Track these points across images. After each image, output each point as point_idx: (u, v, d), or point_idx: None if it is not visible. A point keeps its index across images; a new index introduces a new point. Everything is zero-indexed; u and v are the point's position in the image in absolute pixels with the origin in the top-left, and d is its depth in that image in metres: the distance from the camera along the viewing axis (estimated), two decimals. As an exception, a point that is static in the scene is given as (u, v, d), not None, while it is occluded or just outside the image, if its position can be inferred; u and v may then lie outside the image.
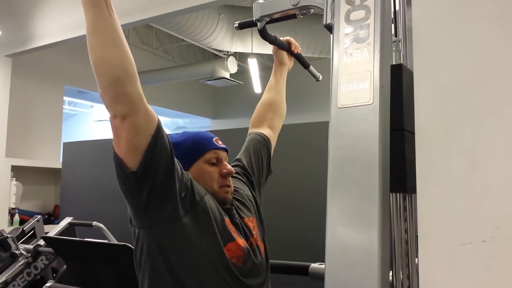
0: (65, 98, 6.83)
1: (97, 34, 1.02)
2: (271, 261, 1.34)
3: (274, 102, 1.66)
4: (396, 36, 0.97)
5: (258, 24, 1.31)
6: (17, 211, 4.72)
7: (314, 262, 1.26)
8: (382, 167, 0.73)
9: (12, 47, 4.55)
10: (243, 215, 1.34)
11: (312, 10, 1.19)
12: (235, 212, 1.32)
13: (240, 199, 1.38)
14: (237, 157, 1.53)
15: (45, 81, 5.60)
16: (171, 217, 1.13)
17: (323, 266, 1.31)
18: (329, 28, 0.91)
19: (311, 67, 1.64)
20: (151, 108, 1.09)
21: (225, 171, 1.29)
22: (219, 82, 7.47)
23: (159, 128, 1.09)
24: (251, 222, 1.35)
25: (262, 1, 1.26)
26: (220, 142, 1.33)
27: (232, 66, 6.97)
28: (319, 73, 1.65)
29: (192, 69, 7.66)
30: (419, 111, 0.64)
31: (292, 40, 1.62)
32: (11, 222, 4.55)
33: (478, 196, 0.58)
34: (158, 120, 1.10)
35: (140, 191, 1.10)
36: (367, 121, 0.75)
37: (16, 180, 4.61)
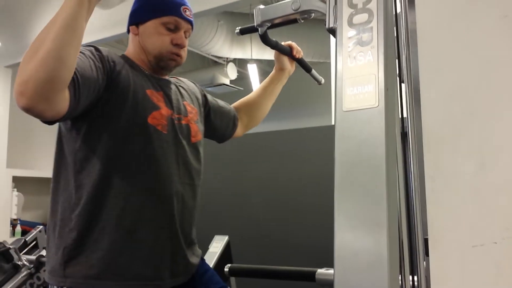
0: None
1: (70, 31, 1.01)
2: (277, 267, 1.33)
3: (254, 104, 1.69)
4: (398, 38, 0.97)
5: (259, 29, 1.31)
6: (18, 222, 4.71)
7: (321, 267, 1.25)
8: (388, 170, 0.73)
9: (11, 57, 4.57)
10: (184, 97, 1.37)
11: (313, 15, 1.19)
12: (173, 88, 1.34)
13: (186, 89, 1.41)
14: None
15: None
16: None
17: (330, 271, 1.30)
18: (332, 32, 0.91)
19: (313, 71, 1.64)
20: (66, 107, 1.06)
21: (176, 41, 1.29)
22: (219, 89, 7.48)
23: (69, 109, 1.06)
24: (191, 108, 1.37)
25: (263, 6, 1.26)
26: (188, 13, 1.32)
27: (231, 72, 6.98)
28: (321, 77, 1.65)
29: (192, 76, 7.68)
30: (426, 113, 0.63)
31: (294, 44, 1.62)
32: (13, 233, 4.54)
33: (488, 197, 0.57)
34: (69, 106, 1.06)
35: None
36: (372, 124, 0.74)
37: (17, 191, 4.60)
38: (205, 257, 2.20)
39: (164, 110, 1.25)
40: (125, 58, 1.30)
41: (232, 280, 2.04)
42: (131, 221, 1.16)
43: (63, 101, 1.03)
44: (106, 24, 3.66)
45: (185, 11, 1.31)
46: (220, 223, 2.73)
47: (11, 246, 2.90)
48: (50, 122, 1.09)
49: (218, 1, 3.28)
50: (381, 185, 0.71)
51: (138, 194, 1.18)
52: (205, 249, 2.28)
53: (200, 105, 1.46)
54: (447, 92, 0.62)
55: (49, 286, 1.18)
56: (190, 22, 1.33)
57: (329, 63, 3.42)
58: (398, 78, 0.97)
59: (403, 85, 1.02)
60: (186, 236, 1.27)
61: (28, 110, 0.99)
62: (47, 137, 5.58)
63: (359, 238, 0.73)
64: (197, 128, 1.37)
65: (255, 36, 1.38)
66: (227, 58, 6.83)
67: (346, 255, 0.74)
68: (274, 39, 1.50)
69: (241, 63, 7.51)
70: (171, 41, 1.29)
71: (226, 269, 1.49)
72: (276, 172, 2.68)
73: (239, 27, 1.49)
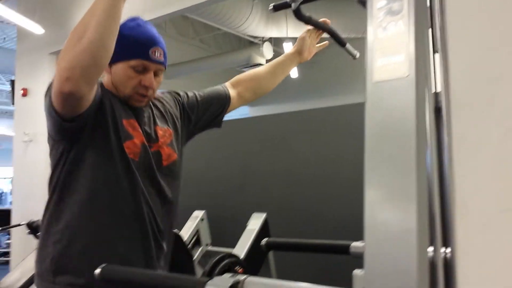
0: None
1: (110, 19, 1.09)
2: (310, 240, 1.35)
3: (261, 80, 1.68)
4: (431, 7, 0.94)
5: (293, 4, 1.31)
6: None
7: (356, 240, 1.26)
8: (418, 141, 0.72)
9: (55, 44, 4.73)
10: (157, 121, 1.42)
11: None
12: (147, 115, 1.40)
13: (161, 109, 1.46)
14: (196, 92, 1.60)
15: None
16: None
17: (363, 244, 1.30)
18: (363, 3, 0.90)
19: (348, 45, 1.61)
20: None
21: (144, 82, 1.32)
22: (255, 69, 7.46)
23: (94, 102, 1.21)
24: (163, 131, 1.42)
25: (295, -18, 1.25)
26: (157, 54, 1.33)
27: (268, 52, 6.95)
28: (356, 51, 1.63)
29: (229, 57, 7.72)
30: (453, 79, 0.62)
31: (328, 21, 1.60)
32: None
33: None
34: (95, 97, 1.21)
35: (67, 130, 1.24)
36: (403, 94, 0.74)
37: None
38: (244, 234, 2.25)
39: (137, 139, 1.33)
40: (102, 86, 1.36)
41: (270, 254, 2.08)
42: (113, 238, 1.29)
43: (95, 89, 1.18)
44: (144, 8, 3.73)
45: (155, 52, 1.32)
46: (258, 200, 2.77)
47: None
48: (69, 122, 1.21)
49: (252, -21, 3.26)
50: (411, 156, 0.71)
51: (119, 214, 1.30)
52: (244, 227, 2.33)
53: (177, 119, 1.51)
54: (474, 57, 0.61)
55: None
56: (161, 63, 1.35)
57: (365, 39, 3.34)
58: (432, 49, 0.96)
59: (437, 55, 1.00)
60: (158, 248, 1.38)
61: (73, 93, 1.10)
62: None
63: (388, 209, 0.73)
64: (170, 150, 1.43)
65: (291, 14, 1.38)
66: (262, 37, 6.80)
67: (376, 227, 0.75)
68: (307, 14, 1.48)
69: (277, 43, 7.46)
70: (140, 82, 1.32)
71: (262, 243, 1.52)
72: (314, 149, 2.68)
73: (273, 4, 1.48)
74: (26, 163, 4.86)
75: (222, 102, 1.61)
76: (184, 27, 7.79)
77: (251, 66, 7.19)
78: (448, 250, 0.85)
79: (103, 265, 1.06)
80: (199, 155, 3.17)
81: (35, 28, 4.63)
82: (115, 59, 1.30)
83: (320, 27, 1.60)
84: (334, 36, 1.63)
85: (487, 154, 0.57)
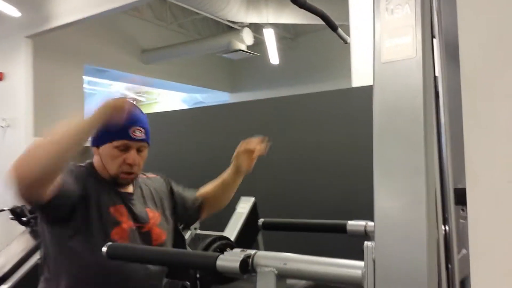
0: (84, 77, 6.89)
1: (78, 145, 1.25)
2: (307, 220, 1.38)
3: (216, 203, 1.79)
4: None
5: (288, -12, 1.31)
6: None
7: (351, 219, 1.31)
8: (426, 118, 0.76)
9: (31, 28, 4.61)
10: (148, 203, 1.52)
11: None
12: (137, 196, 1.49)
13: (152, 191, 1.56)
14: (188, 189, 1.71)
15: (66, 60, 5.66)
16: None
17: (360, 222, 1.35)
18: (368, -15, 0.92)
19: (339, 30, 1.63)
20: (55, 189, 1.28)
21: (127, 160, 1.43)
22: (235, 55, 7.45)
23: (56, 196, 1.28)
24: (152, 214, 1.51)
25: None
26: (137, 133, 1.44)
27: (247, 37, 6.93)
28: (347, 36, 1.65)
29: (208, 42, 7.65)
30: (464, 56, 0.65)
31: (261, 141, 1.73)
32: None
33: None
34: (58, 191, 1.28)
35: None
36: (411, 74, 0.77)
37: (44, 159, 4.73)
38: (233, 217, 2.27)
39: (125, 224, 1.41)
40: (91, 169, 1.47)
41: (260, 237, 2.11)
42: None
43: (47, 194, 1.26)
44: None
45: (135, 131, 1.43)
46: (243, 185, 2.80)
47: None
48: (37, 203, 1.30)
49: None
50: (419, 132, 0.74)
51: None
52: (229, 212, 2.35)
53: (166, 202, 1.60)
54: (485, 35, 0.64)
55: None
56: (142, 140, 1.45)
57: (348, 26, 3.36)
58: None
59: (434, 40, 1.03)
60: None
61: (24, 191, 1.24)
62: (69, 106, 5.68)
63: (397, 185, 0.77)
64: (160, 230, 1.50)
65: (271, 0, 1.37)
66: (242, 23, 6.76)
67: (385, 202, 0.78)
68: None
69: (257, 29, 7.44)
70: (124, 160, 1.43)
71: (259, 223, 1.55)
72: (295, 134, 2.71)
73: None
74: (4, 148, 4.76)
75: (192, 219, 1.80)
76: (161, 11, 7.67)
77: (231, 52, 7.16)
78: (447, 228, 0.89)
79: (109, 243, 1.07)
80: (184, 141, 3.17)
81: (11, 11, 4.49)
82: (102, 142, 1.43)
83: (317, 15, 1.61)
84: (326, 20, 1.65)
85: (497, 129, 0.61)
